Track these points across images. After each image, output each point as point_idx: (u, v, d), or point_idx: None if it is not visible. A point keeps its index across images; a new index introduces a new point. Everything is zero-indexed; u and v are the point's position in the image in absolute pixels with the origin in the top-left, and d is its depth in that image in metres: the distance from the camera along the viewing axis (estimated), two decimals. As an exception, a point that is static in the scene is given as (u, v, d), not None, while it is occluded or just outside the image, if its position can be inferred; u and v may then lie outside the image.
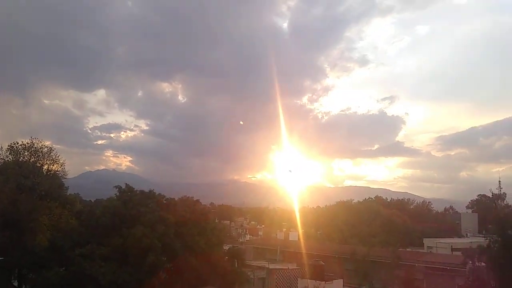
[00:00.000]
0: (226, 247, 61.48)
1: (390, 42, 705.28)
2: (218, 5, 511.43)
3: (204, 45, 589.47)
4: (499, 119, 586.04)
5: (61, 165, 47.07)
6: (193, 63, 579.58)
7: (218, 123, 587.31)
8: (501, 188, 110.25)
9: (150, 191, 43.00)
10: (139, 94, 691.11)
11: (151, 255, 34.09)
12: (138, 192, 41.87)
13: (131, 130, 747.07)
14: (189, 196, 49.46)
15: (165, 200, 43.78)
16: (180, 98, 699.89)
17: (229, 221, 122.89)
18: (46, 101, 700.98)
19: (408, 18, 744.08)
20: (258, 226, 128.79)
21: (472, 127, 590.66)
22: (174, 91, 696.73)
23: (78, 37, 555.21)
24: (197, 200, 49.12)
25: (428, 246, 75.20)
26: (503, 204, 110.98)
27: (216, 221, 79.90)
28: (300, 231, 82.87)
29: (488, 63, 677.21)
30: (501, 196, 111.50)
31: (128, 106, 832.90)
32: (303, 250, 64.84)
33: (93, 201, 73.87)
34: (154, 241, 34.69)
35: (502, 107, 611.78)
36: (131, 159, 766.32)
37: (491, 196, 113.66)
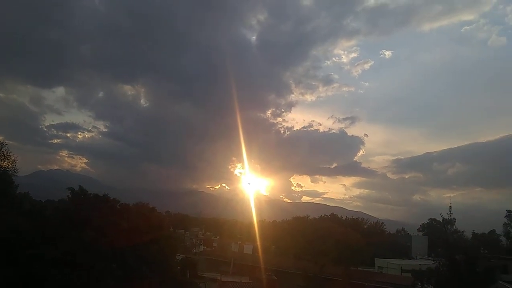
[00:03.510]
0: (179, 257, 60.63)
1: (354, 63, 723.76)
2: (187, 12, 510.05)
3: (170, 50, 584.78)
4: (453, 147, 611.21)
5: (13, 162, 45.03)
6: (158, 68, 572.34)
7: (179, 130, 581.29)
8: (452, 213, 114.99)
9: (104, 195, 41.89)
10: (100, 94, 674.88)
11: (100, 261, 32.97)
12: (91, 195, 40.71)
13: (89, 131, 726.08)
14: (144, 203, 48.59)
15: (119, 205, 42.68)
16: (142, 102, 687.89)
17: (184, 231, 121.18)
18: (1, 95, 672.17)
19: (373, 42, 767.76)
20: (213, 237, 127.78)
21: (427, 152, 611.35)
22: (137, 94, 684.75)
23: (40, 32, 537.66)
24: (153, 208, 48.25)
25: (379, 266, 76.68)
26: (452, 229, 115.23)
27: (171, 230, 78.77)
28: (256, 244, 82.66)
29: (446, 92, 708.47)
30: (451, 221, 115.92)
31: (87, 106, 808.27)
32: (257, 264, 64.61)
33: (43, 201, 71.10)
34: (104, 247, 33.61)
35: (456, 135, 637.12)
36: (86, 160, 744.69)
37: (441, 221, 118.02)
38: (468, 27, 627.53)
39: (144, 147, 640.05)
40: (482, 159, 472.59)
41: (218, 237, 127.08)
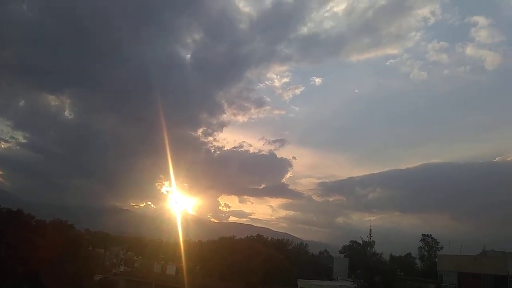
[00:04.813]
0: (97, 277, 57.88)
1: (286, 88, 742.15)
2: (123, 24, 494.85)
3: (102, 63, 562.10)
4: (374, 172, 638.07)
5: None
6: (87, 79, 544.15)
7: (105, 145, 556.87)
8: (371, 236, 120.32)
9: (18, 210, 39.63)
10: (21, 103, 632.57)
11: (11, 279, 30.83)
12: (4, 209, 38.38)
13: (6, 141, 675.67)
14: (62, 220, 46.53)
15: (34, 221, 40.49)
16: (67, 113, 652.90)
17: (104, 250, 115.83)
18: None
19: (304, 68, 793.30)
20: (135, 257, 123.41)
21: (350, 177, 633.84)
22: (61, 105, 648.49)
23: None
24: (71, 225, 46.53)
25: (301, 287, 77.95)
26: (372, 252, 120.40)
27: (90, 249, 75.18)
28: (180, 265, 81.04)
29: (370, 120, 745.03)
30: (370, 244, 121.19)
31: (5, 115, 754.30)
32: (181, 285, 63.20)
33: None
34: (16, 264, 31.50)
35: (378, 161, 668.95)
36: (1, 173, 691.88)
37: (361, 243, 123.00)
38: (392, 61, 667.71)
39: (66, 161, 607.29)
40: (401, 185, 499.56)
41: (140, 257, 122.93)
